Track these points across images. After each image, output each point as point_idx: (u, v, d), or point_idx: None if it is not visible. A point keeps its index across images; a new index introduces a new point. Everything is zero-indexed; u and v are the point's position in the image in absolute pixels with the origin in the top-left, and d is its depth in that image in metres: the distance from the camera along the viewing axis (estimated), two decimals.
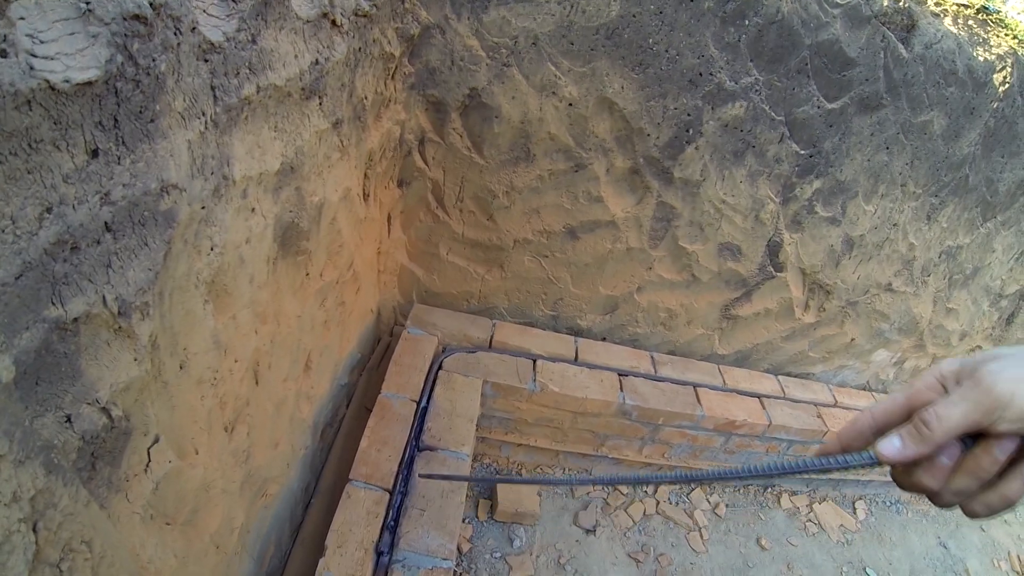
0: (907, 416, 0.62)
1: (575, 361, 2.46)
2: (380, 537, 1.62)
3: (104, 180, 0.67)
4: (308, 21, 1.17)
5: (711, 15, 1.82)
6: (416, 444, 1.94)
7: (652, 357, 2.65)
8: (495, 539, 2.32)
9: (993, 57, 2.11)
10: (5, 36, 0.53)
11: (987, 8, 2.15)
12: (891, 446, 0.58)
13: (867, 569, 2.78)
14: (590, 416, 2.39)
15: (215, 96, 0.89)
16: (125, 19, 0.65)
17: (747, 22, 1.84)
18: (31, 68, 0.55)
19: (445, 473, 1.86)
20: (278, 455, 1.52)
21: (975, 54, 2.09)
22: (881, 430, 0.64)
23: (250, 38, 0.96)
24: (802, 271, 2.53)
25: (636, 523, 2.57)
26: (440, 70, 1.85)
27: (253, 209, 1.10)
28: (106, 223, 0.69)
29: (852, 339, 2.86)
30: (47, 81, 0.56)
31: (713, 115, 2.00)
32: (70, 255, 0.64)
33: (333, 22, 1.28)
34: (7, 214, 0.55)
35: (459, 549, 2.21)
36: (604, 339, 2.66)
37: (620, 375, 2.47)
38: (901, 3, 1.95)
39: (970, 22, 2.13)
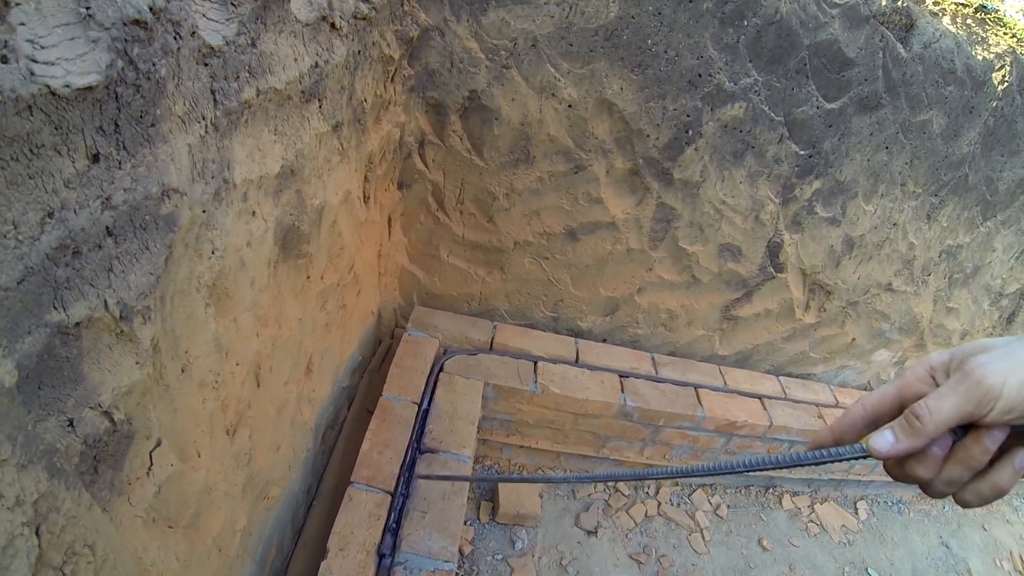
0: (898, 407, 0.63)
1: (576, 363, 2.46)
2: (382, 539, 1.62)
3: (105, 185, 0.67)
4: (307, 24, 1.17)
5: (710, 16, 1.82)
6: (417, 446, 1.94)
7: (653, 358, 2.65)
8: (497, 541, 2.32)
9: (992, 56, 2.12)
10: (6, 42, 0.53)
11: (985, 7, 2.15)
12: (884, 441, 0.59)
13: (869, 569, 2.78)
14: (591, 418, 2.39)
15: (215, 100, 0.89)
16: (125, 24, 0.65)
17: (746, 23, 1.85)
18: (32, 73, 0.55)
19: (444, 483, 1.86)
20: (280, 458, 1.53)
21: (974, 53, 2.10)
22: (873, 421, 0.65)
23: (250, 42, 0.97)
24: (802, 271, 2.53)
25: (638, 524, 2.57)
26: (439, 72, 1.85)
27: (254, 212, 1.11)
28: (107, 227, 0.69)
29: (853, 339, 2.86)
30: (48, 86, 0.56)
31: (712, 116, 2.00)
32: (72, 260, 0.64)
33: (332, 25, 1.28)
34: (9, 219, 0.56)
35: (461, 551, 2.21)
36: (605, 340, 2.67)
37: (621, 376, 2.47)
38: (899, 3, 1.95)
39: (968, 21, 2.13)
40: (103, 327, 0.72)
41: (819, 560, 2.73)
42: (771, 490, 2.97)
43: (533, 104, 1.91)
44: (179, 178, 0.81)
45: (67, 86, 0.58)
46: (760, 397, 2.66)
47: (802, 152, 2.14)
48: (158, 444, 0.88)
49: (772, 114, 2.03)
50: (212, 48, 0.85)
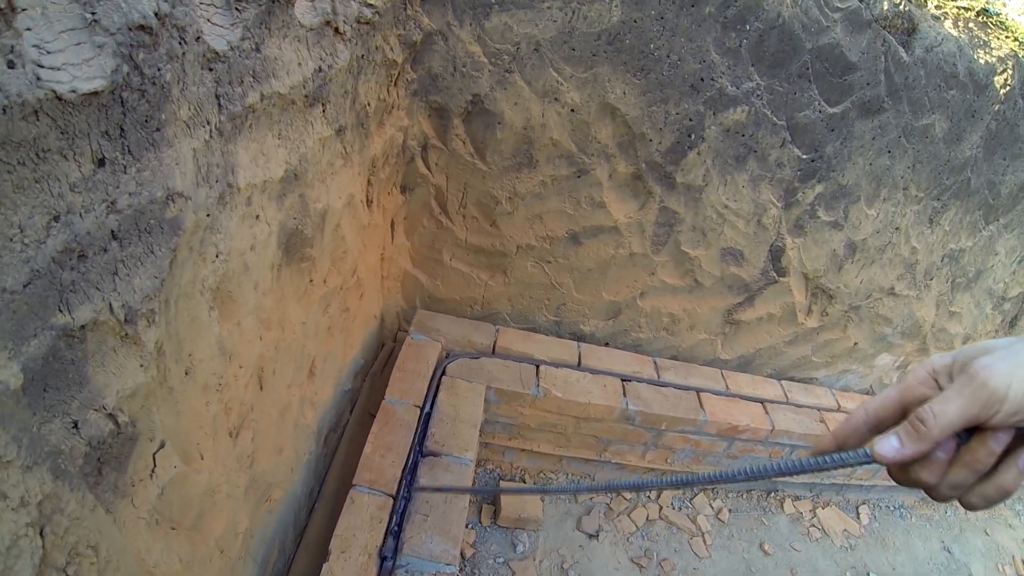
0: (901, 412, 0.62)
1: (578, 366, 2.46)
2: (384, 542, 1.62)
3: (110, 189, 0.68)
4: (311, 29, 1.18)
5: (712, 20, 1.83)
6: (420, 449, 1.94)
7: (655, 362, 2.65)
8: (498, 544, 2.32)
9: (994, 59, 2.12)
10: (12, 47, 0.54)
11: (987, 11, 2.16)
12: (889, 446, 0.58)
13: (871, 574, 2.77)
14: (593, 421, 2.39)
15: (220, 105, 0.90)
16: (130, 29, 0.66)
17: (748, 27, 1.85)
18: (38, 78, 0.56)
19: (448, 479, 1.86)
20: (282, 460, 1.53)
21: (976, 57, 2.10)
22: (876, 426, 0.64)
23: (254, 47, 0.97)
24: (805, 276, 2.53)
25: (639, 528, 2.57)
26: (443, 76, 1.86)
27: (257, 216, 1.11)
28: (112, 231, 0.69)
29: (855, 343, 2.85)
30: (54, 91, 0.57)
31: (715, 120, 2.00)
32: (77, 263, 0.65)
33: (336, 30, 1.28)
34: (15, 223, 0.56)
35: (462, 554, 2.21)
36: (607, 344, 2.67)
37: (623, 380, 2.47)
38: (901, 7, 1.96)
39: (971, 25, 2.13)
40: (108, 330, 0.72)
41: (821, 564, 2.72)
42: (773, 494, 2.96)
43: (536, 108, 1.92)
44: (184, 182, 0.81)
45: (73, 91, 0.59)
46: (762, 401, 2.66)
47: (804, 156, 2.14)
48: (161, 446, 0.89)
49: (774, 118, 2.03)
50: (217, 53, 0.86)
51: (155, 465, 0.88)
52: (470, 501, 2.02)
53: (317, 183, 1.38)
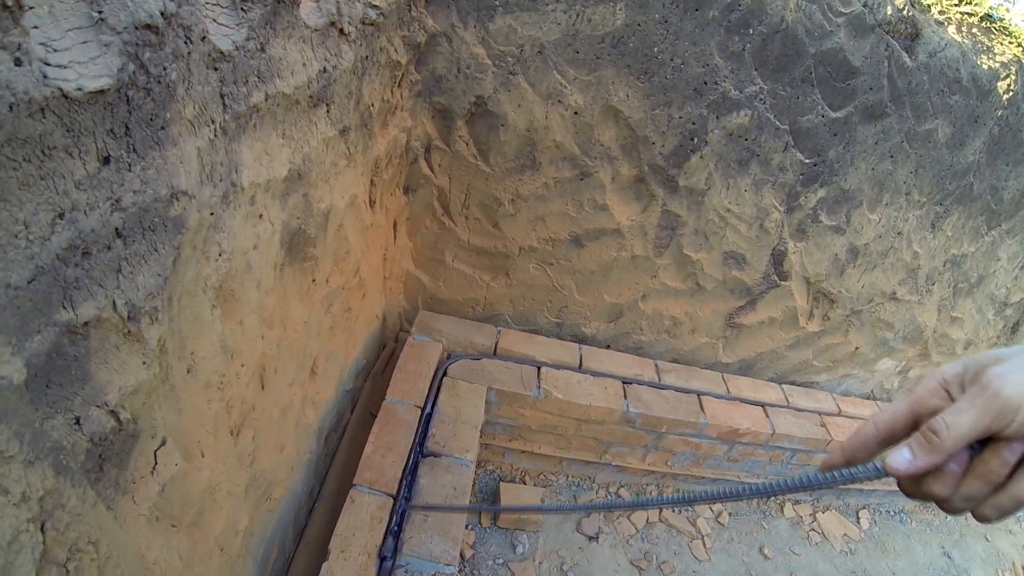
0: (911, 424, 0.61)
1: (579, 368, 2.46)
2: (383, 542, 1.62)
3: (115, 186, 0.68)
4: (316, 30, 1.18)
5: (716, 24, 1.83)
6: (420, 450, 1.94)
7: (656, 365, 2.65)
8: (498, 545, 2.32)
9: (997, 65, 2.12)
10: (19, 45, 0.54)
11: (991, 16, 2.16)
12: (902, 458, 0.57)
13: None
14: (594, 423, 2.39)
15: (224, 104, 0.90)
16: (137, 28, 0.66)
17: (751, 31, 1.85)
18: (44, 76, 0.56)
19: (448, 480, 1.87)
20: (283, 459, 1.53)
21: (979, 62, 2.10)
22: (885, 440, 0.62)
23: (259, 47, 0.98)
24: (806, 280, 2.53)
25: (639, 530, 2.57)
26: (446, 78, 1.86)
27: (261, 215, 1.12)
28: (117, 229, 0.70)
29: (856, 348, 2.85)
30: (60, 89, 0.57)
31: (718, 124, 2.01)
32: (81, 260, 0.65)
33: (341, 31, 1.29)
34: (20, 219, 0.56)
35: (462, 555, 2.21)
36: (608, 347, 2.67)
37: (624, 383, 2.47)
38: (905, 12, 1.96)
39: (974, 30, 2.13)
40: (111, 327, 0.72)
41: (821, 569, 2.72)
42: (773, 498, 2.96)
43: (539, 110, 1.92)
44: (188, 181, 0.82)
45: (79, 89, 0.59)
46: (763, 405, 2.66)
47: (807, 160, 2.15)
48: (163, 443, 0.89)
49: (777, 122, 2.04)
50: (222, 53, 0.86)
51: (156, 462, 0.88)
52: (470, 502, 2.02)
53: (320, 183, 1.38)
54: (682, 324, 2.60)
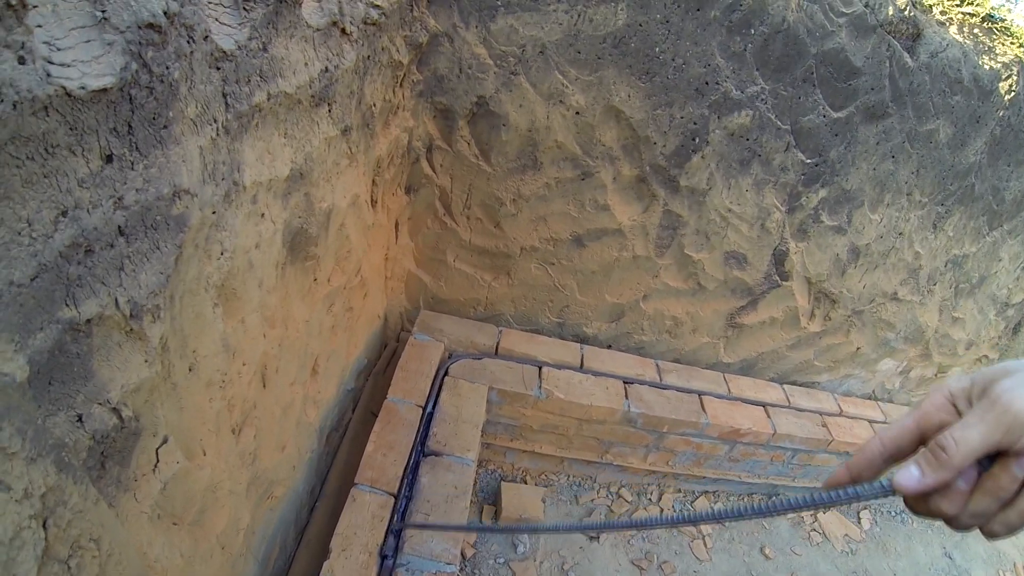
0: (918, 440, 0.60)
1: (581, 368, 2.47)
2: (384, 541, 1.62)
3: (118, 185, 0.68)
4: (318, 29, 1.18)
5: (717, 24, 1.83)
6: (422, 449, 1.94)
7: (657, 365, 2.65)
8: (499, 545, 2.32)
9: (999, 65, 2.12)
10: (23, 43, 0.54)
11: (992, 16, 2.15)
12: (910, 476, 0.55)
13: None
14: (595, 423, 2.40)
15: (227, 103, 0.90)
16: (140, 27, 0.66)
17: (753, 31, 1.85)
18: (48, 75, 0.56)
19: (449, 479, 1.87)
20: (284, 458, 1.53)
21: (981, 62, 2.10)
22: (892, 456, 0.61)
23: (261, 46, 0.98)
24: (808, 280, 2.53)
25: (640, 531, 2.57)
26: (448, 78, 1.86)
27: (263, 214, 1.12)
28: (119, 227, 0.70)
29: (858, 348, 2.85)
30: (63, 88, 0.57)
31: (719, 124, 2.01)
32: (84, 258, 0.66)
33: (343, 30, 1.29)
34: (24, 217, 0.57)
35: (463, 554, 2.21)
36: (610, 347, 2.67)
37: (625, 383, 2.47)
38: (907, 12, 1.96)
39: (975, 31, 2.13)
40: (113, 325, 0.73)
41: (821, 569, 2.72)
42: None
43: (541, 110, 1.92)
44: (190, 180, 0.82)
45: (82, 87, 0.59)
46: (764, 405, 2.66)
47: (808, 160, 2.15)
48: (165, 441, 0.89)
49: (779, 122, 2.04)
50: (224, 52, 0.87)
51: (158, 460, 0.89)
52: (471, 502, 2.02)
53: (322, 182, 1.38)
54: (683, 324, 2.60)
